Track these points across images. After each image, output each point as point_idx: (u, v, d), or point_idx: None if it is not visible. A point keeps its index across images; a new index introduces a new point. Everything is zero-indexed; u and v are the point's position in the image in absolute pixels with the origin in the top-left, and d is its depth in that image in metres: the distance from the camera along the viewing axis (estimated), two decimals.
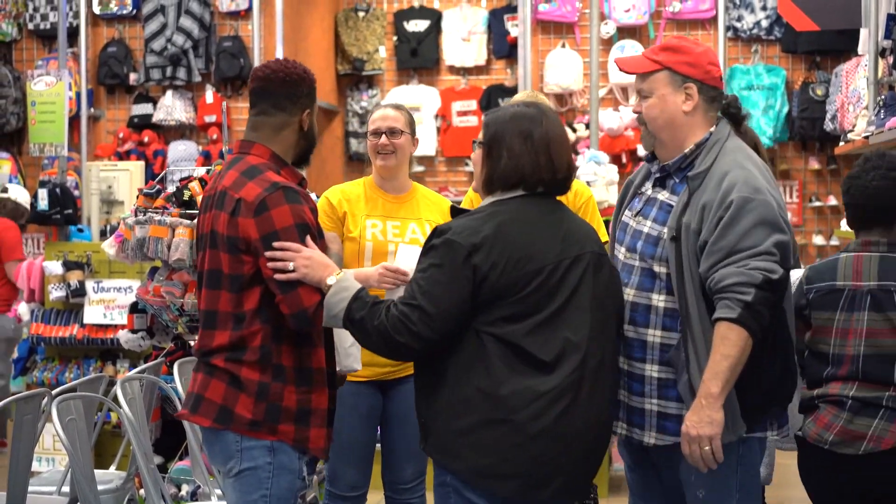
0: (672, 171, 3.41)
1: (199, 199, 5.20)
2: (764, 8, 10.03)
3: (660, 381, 3.32)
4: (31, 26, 10.68)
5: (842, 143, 6.64)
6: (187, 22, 10.08)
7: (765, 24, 10.06)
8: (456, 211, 3.39)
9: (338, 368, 3.53)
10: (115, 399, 4.55)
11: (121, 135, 10.41)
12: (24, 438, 4.16)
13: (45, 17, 10.59)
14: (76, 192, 9.54)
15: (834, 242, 9.89)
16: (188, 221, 5.15)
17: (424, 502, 4.58)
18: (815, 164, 10.09)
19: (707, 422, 3.17)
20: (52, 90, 8.09)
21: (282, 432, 3.33)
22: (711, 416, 3.17)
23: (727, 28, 9.99)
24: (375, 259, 4.36)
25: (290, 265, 3.25)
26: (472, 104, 10.62)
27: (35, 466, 5.38)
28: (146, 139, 10.34)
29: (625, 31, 10.24)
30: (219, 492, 4.66)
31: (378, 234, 4.44)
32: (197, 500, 5.03)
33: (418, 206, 4.57)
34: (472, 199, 4.76)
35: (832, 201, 10.03)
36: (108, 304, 7.09)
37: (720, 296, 3.19)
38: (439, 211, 4.54)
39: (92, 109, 10.47)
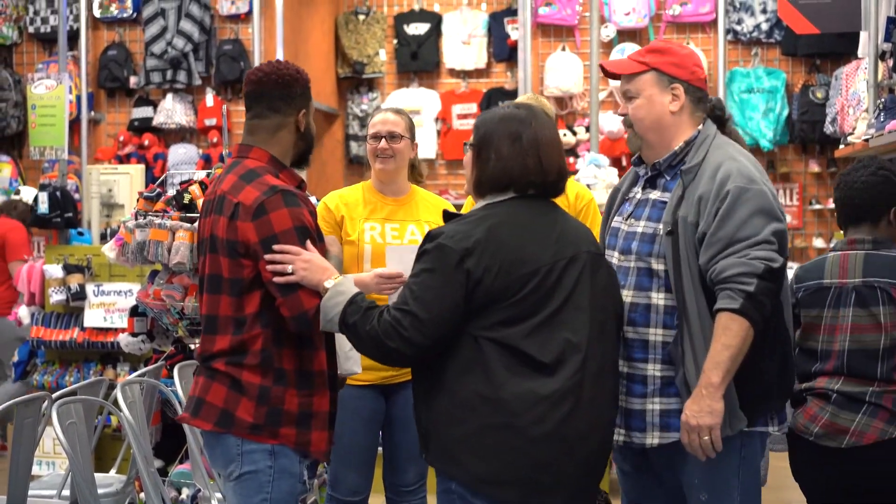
0: (663, 168, 3.42)
1: (199, 202, 5.20)
2: (764, 11, 10.04)
3: (663, 380, 3.31)
4: (31, 30, 10.69)
5: (842, 146, 6.64)
6: (187, 25, 10.09)
7: (765, 27, 10.07)
8: (448, 215, 3.36)
9: (338, 372, 3.53)
10: (116, 402, 4.55)
11: (121, 138, 10.42)
12: (25, 442, 4.16)
13: (45, 21, 10.60)
14: (76, 196, 9.55)
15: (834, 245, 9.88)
16: (188, 225, 5.15)
17: None
18: (815, 167, 10.10)
19: (707, 411, 3.17)
20: (52, 93, 8.10)
21: (283, 436, 3.33)
22: (712, 406, 3.17)
23: (727, 31, 10.00)
24: (375, 262, 4.36)
25: (289, 268, 3.25)
26: (473, 107, 10.63)
27: (35, 470, 5.37)
28: (146, 142, 10.35)
29: (625, 35, 10.25)
30: (219, 495, 4.66)
31: (377, 236, 4.45)
32: (197, 503, 5.03)
33: (417, 208, 4.57)
34: (472, 203, 4.76)
35: (832, 204, 10.01)
36: (109, 308, 7.09)
37: (722, 287, 3.20)
38: (439, 212, 4.54)
39: (92, 113, 10.48)
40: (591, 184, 7.33)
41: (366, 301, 3.20)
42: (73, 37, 10.19)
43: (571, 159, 9.97)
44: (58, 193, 8.09)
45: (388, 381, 4.41)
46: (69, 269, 7.16)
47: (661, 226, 3.33)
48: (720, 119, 3.51)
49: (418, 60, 10.83)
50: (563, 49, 10.35)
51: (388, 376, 4.39)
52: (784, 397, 3.42)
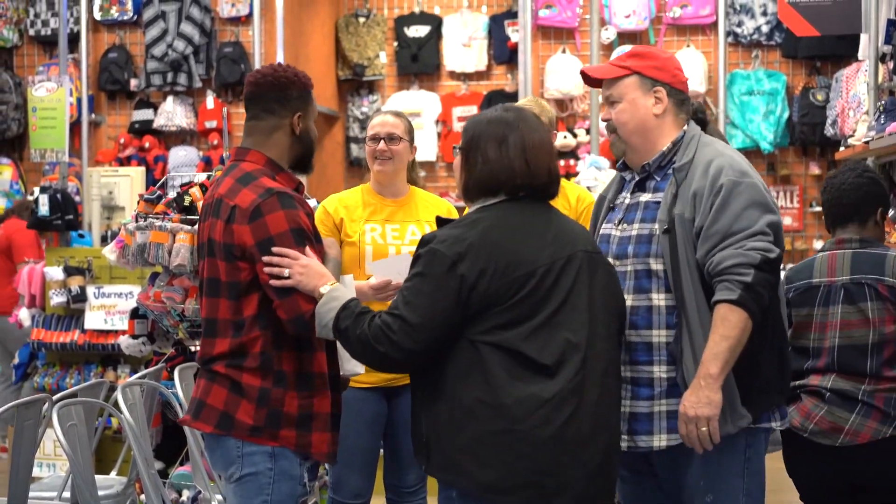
0: (652, 169, 3.43)
1: (199, 204, 5.21)
2: (764, 13, 10.04)
3: (669, 381, 3.30)
4: (32, 32, 10.69)
5: (842, 149, 6.64)
6: (188, 28, 10.10)
7: (765, 29, 10.07)
8: (441, 221, 3.31)
9: (341, 373, 3.52)
10: (116, 404, 4.55)
11: (122, 140, 10.42)
12: (25, 444, 4.16)
13: (45, 24, 10.60)
14: (77, 198, 9.55)
15: None
16: (189, 227, 5.16)
17: None
18: (815, 170, 10.09)
19: (705, 402, 3.17)
20: (53, 96, 8.10)
21: (283, 438, 3.33)
22: (710, 397, 3.17)
23: (727, 33, 10.00)
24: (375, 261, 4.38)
25: (286, 272, 3.24)
26: (473, 109, 10.62)
27: (36, 472, 5.38)
28: (147, 145, 10.35)
29: (625, 37, 10.25)
30: (220, 497, 4.66)
31: (377, 237, 4.45)
32: None
33: (417, 208, 4.58)
34: None
35: None
36: (109, 310, 7.10)
37: (719, 278, 3.21)
38: (438, 212, 4.54)
39: (93, 115, 10.48)
40: (591, 186, 7.32)
41: (359, 306, 3.17)
42: (74, 39, 10.20)
43: (572, 161, 9.98)
44: (58, 196, 8.09)
45: (390, 383, 4.41)
46: (70, 271, 7.17)
47: (656, 226, 3.33)
48: (703, 121, 3.55)
49: (419, 63, 10.83)
50: (564, 51, 10.35)
51: (390, 378, 4.38)
52: (783, 391, 3.43)
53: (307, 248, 3.30)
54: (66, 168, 8.58)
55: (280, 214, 3.29)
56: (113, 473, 5.52)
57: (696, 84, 9.85)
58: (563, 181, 4.51)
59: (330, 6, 11.03)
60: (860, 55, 6.81)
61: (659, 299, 3.32)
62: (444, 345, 3.07)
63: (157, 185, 5.71)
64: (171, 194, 5.46)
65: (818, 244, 10.06)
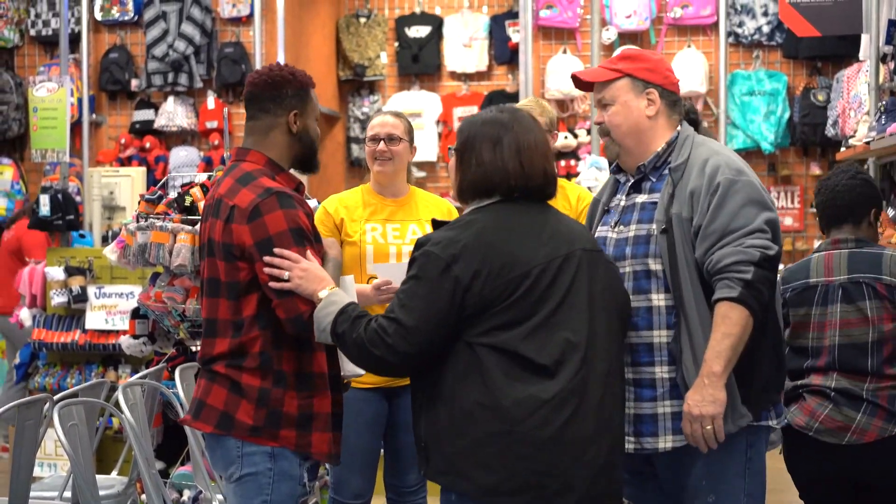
0: (648, 171, 3.43)
1: (200, 204, 5.21)
2: (765, 14, 10.04)
3: (671, 382, 3.29)
4: (32, 32, 10.69)
5: (843, 149, 6.64)
6: (189, 28, 10.10)
7: (766, 29, 10.07)
8: (437, 223, 3.30)
9: (342, 374, 3.52)
10: (117, 404, 4.55)
11: (122, 140, 10.42)
12: (26, 444, 4.16)
13: (46, 24, 10.60)
14: (78, 198, 9.55)
15: None
16: (189, 227, 5.16)
17: None
18: (816, 170, 10.09)
19: (710, 401, 3.17)
20: (53, 96, 8.10)
21: (283, 438, 3.33)
22: (714, 395, 3.17)
23: (728, 34, 10.00)
24: (377, 262, 4.38)
25: (286, 274, 3.24)
26: (474, 110, 10.61)
27: (37, 472, 5.38)
28: (148, 145, 10.35)
29: (626, 37, 10.25)
30: (220, 497, 4.66)
31: (378, 237, 4.46)
32: None
33: (417, 208, 4.58)
34: None
35: None
36: (110, 310, 7.10)
37: (720, 276, 3.21)
38: (439, 211, 4.55)
39: (94, 115, 10.49)
40: (592, 186, 7.33)
41: (357, 310, 3.16)
42: (75, 40, 10.20)
43: (573, 162, 9.98)
44: (59, 196, 8.09)
45: (391, 383, 4.41)
46: (70, 271, 7.17)
47: (653, 226, 3.33)
48: (695, 122, 3.56)
49: (419, 63, 10.83)
50: (564, 52, 10.35)
51: (391, 379, 4.38)
52: (779, 389, 3.43)
53: (308, 252, 3.30)
54: (67, 168, 8.58)
55: (279, 214, 3.29)
56: (114, 473, 5.52)
57: (697, 84, 9.86)
58: (563, 181, 4.52)
59: (331, 6, 11.03)
60: (861, 55, 6.81)
61: (659, 300, 3.31)
62: (440, 347, 3.05)
63: (158, 185, 5.72)
64: (172, 194, 5.47)
65: (819, 244, 10.05)
